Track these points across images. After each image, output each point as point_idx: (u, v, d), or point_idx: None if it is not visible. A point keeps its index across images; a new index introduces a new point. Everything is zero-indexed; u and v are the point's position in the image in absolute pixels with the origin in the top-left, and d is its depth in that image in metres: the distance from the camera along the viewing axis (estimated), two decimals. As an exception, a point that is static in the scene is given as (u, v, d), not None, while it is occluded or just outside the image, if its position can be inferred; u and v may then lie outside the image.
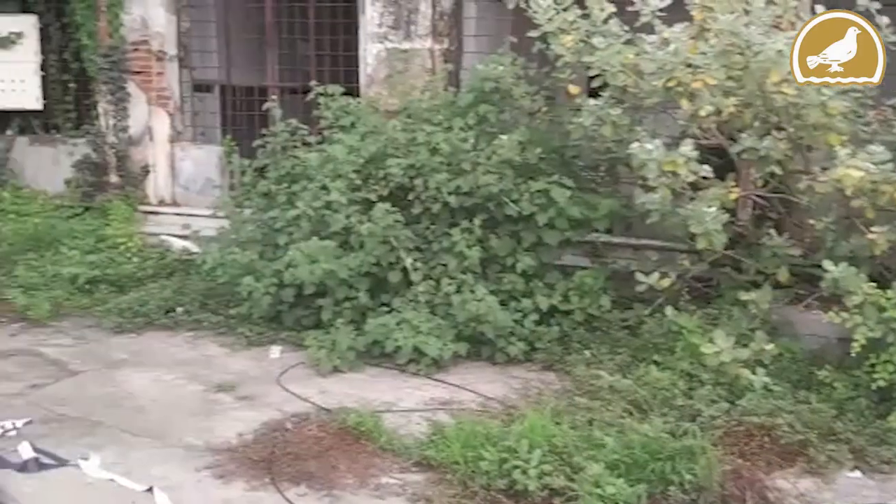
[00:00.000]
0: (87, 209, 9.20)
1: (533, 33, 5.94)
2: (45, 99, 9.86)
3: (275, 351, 6.25)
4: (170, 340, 6.54)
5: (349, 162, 6.57)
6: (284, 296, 6.40)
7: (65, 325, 6.87)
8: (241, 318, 6.65)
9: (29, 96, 9.76)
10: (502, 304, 5.99)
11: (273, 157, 7.28)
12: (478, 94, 6.69)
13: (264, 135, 7.48)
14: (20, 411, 5.05)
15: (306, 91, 7.50)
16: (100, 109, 9.29)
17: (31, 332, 6.72)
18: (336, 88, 7.27)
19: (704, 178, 5.31)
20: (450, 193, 6.23)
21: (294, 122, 7.33)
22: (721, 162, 5.67)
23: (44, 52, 9.77)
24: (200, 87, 9.64)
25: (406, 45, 7.92)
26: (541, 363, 5.89)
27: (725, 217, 5.27)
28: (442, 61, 7.86)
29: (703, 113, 5.27)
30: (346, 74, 8.52)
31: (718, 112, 5.32)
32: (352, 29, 8.51)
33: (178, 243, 8.45)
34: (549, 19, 5.76)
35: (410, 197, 6.42)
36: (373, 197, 6.45)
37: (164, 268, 8.00)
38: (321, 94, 7.21)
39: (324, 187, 6.56)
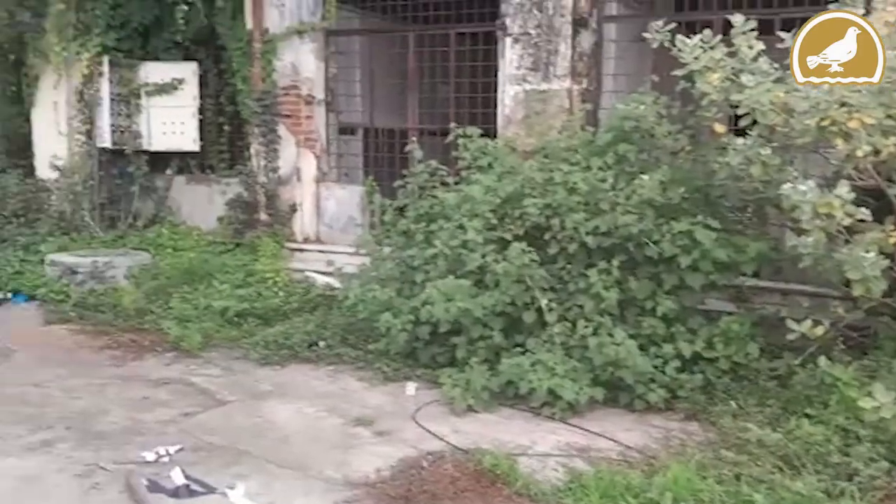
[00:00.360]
0: (237, 245, 9.69)
1: (677, 72, 5.82)
2: (201, 141, 10.54)
3: (410, 387, 6.32)
4: (312, 373, 6.74)
5: (486, 201, 6.61)
6: (420, 333, 6.48)
7: (214, 356, 7.20)
8: (379, 353, 6.78)
9: (187, 138, 10.47)
10: (641, 348, 5.81)
11: (412, 197, 7.43)
12: (617, 133, 6.60)
13: (404, 175, 7.66)
14: (172, 438, 5.31)
15: (445, 133, 7.64)
16: (252, 151, 9.83)
17: (183, 361, 7.08)
18: (474, 130, 7.37)
19: (861, 221, 5.00)
20: (587, 233, 6.14)
21: (434, 162, 7.47)
22: (878, 204, 5.33)
23: (202, 96, 10.47)
24: (345, 130, 10.05)
25: (544, 86, 7.95)
26: (683, 412, 5.66)
27: (885, 263, 4.94)
28: (580, 101, 7.84)
29: (859, 153, 4.98)
30: (484, 116, 8.65)
31: (876, 152, 5.02)
32: (490, 71, 8.64)
33: (322, 279, 8.74)
34: (696, 58, 5.62)
35: (546, 237, 6.37)
36: (508, 236, 6.45)
37: (307, 302, 8.29)
38: (460, 136, 7.33)
39: (461, 226, 6.62)
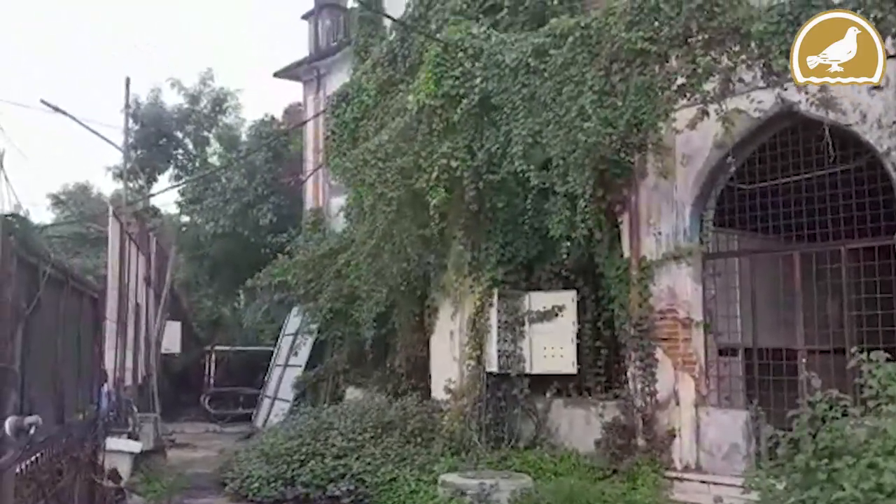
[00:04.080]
0: (614, 471, 9.52)
1: None
2: (579, 364, 10.84)
3: None
4: None
5: (904, 438, 5.79)
6: (834, 591, 5.63)
7: None
8: None
9: (566, 361, 10.85)
10: None
11: (810, 428, 6.77)
12: None
13: (794, 399, 7.05)
14: None
15: (837, 351, 7.00)
16: (629, 374, 9.87)
17: None
18: (880, 354, 6.64)
19: None
20: None
21: (834, 392, 6.79)
22: None
23: (579, 322, 10.90)
24: (724, 351, 9.69)
25: (962, 302, 7.02)
26: None
27: None
28: None
29: None
30: (886, 335, 7.81)
31: None
32: (890, 287, 7.89)
33: (706, 514, 8.16)
34: None
35: None
36: (937, 481, 5.52)
37: (693, 542, 7.74)
38: (864, 361, 6.63)
39: (872, 465, 5.83)
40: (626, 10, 8.34)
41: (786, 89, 7.83)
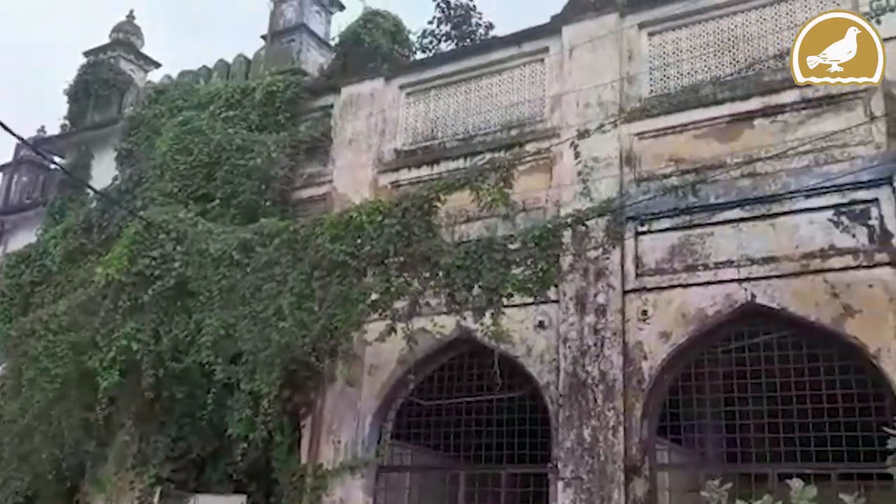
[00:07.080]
0: None
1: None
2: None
3: None
4: None
5: None
6: None
7: None
8: None
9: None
10: None
11: None
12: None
13: None
14: None
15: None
16: None
17: None
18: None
19: None
20: None
21: None
22: None
23: (247, 531, 10.23)
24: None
25: (599, 536, 7.67)
26: None
27: None
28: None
29: None
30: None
31: None
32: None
33: None
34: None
35: None
36: None
37: None
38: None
39: None
40: (332, 223, 8.77)
41: (465, 318, 8.54)
